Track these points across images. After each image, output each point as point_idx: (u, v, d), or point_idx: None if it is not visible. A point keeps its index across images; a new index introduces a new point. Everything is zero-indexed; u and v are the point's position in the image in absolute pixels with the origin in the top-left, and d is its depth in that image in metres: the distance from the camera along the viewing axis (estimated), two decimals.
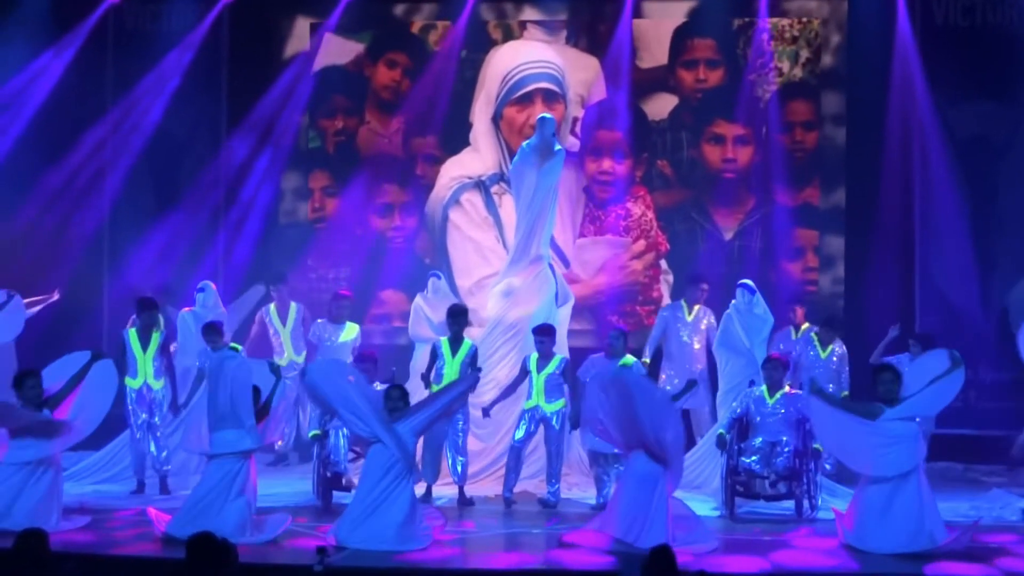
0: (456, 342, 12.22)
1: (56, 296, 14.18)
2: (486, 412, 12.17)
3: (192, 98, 15.42)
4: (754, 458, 11.36)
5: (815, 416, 10.46)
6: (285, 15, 15.95)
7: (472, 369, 11.94)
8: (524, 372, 12.11)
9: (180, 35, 15.42)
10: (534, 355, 12.09)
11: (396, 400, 10.40)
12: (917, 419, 10.07)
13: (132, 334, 12.50)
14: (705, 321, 13.49)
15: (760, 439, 11.41)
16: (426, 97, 15.41)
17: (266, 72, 15.59)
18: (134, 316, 12.99)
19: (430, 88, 15.43)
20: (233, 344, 12.71)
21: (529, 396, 12.01)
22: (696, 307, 13.56)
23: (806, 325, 13.37)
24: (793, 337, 13.33)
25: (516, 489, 12.01)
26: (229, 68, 15.66)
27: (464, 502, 11.86)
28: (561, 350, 12.77)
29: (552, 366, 12.00)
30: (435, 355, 12.24)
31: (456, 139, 15.57)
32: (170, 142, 15.49)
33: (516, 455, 11.94)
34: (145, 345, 12.43)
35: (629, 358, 12.06)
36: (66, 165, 15.12)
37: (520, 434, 11.97)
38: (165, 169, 15.60)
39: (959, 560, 9.48)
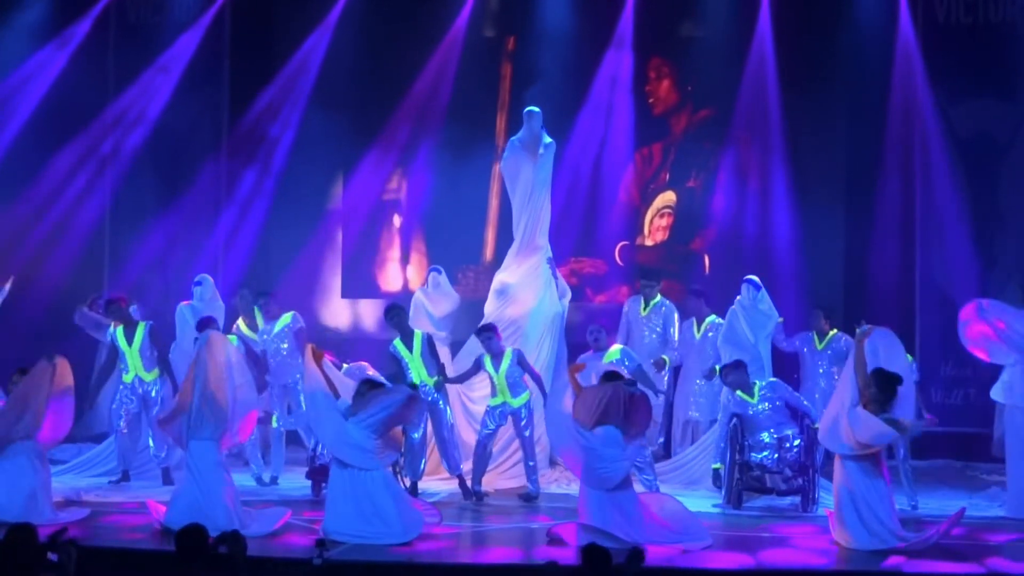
0: (407, 338, 12.16)
1: (8, 284, 13.25)
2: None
3: (194, 90, 15.40)
4: (765, 453, 11.39)
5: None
6: (287, 5, 15.95)
7: (433, 358, 11.99)
8: (477, 367, 12.07)
9: (182, 27, 15.39)
10: (486, 356, 12.04)
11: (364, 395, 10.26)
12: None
13: (118, 332, 12.50)
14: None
15: (767, 435, 11.44)
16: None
17: (268, 63, 15.59)
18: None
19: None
20: (230, 336, 12.61)
21: (494, 394, 12.03)
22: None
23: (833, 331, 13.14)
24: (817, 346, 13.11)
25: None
26: (231, 60, 15.64)
27: (467, 494, 11.83)
28: (560, 346, 12.82)
29: (507, 361, 11.97)
30: (396, 360, 12.08)
31: (457, 131, 15.53)
32: (172, 134, 15.46)
33: (482, 449, 11.98)
34: (130, 339, 12.45)
35: (614, 350, 12.13)
36: (68, 157, 15.12)
37: (487, 430, 11.98)
38: (167, 161, 15.58)
39: (945, 559, 9.45)
